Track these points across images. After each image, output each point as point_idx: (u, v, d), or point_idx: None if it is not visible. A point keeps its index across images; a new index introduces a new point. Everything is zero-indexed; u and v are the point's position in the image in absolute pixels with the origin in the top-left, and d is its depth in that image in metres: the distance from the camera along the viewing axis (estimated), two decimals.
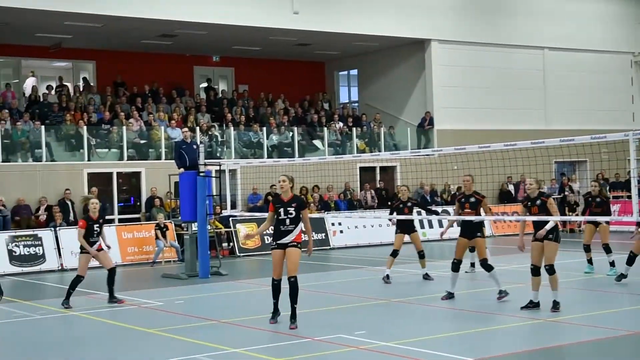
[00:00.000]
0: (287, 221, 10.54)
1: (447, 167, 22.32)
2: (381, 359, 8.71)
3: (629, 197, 24.30)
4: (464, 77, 27.92)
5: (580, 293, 13.20)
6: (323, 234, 22.29)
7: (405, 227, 14.77)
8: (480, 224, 12.54)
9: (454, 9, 27.77)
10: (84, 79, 26.47)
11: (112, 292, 13.28)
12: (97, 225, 13.17)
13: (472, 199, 12.53)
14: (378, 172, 26.33)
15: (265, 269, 18.47)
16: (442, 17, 27.44)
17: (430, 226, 23.64)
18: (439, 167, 22.67)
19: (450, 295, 12.42)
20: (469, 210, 12.44)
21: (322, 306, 12.38)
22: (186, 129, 18.67)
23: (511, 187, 27.33)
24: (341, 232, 22.73)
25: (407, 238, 14.84)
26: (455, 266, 12.39)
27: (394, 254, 14.59)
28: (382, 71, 29.35)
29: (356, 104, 31.08)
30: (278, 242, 10.64)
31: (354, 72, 31.35)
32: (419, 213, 17.01)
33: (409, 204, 14.81)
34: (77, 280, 12.99)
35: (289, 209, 10.54)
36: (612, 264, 14.88)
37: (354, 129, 26.88)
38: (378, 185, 25.90)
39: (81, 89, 25.46)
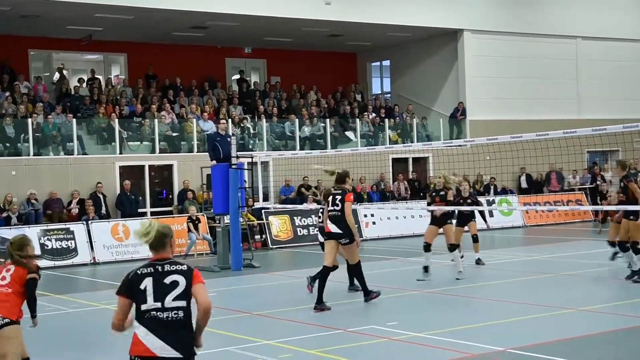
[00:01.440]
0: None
1: (479, 158, 22.11)
2: (413, 349, 8.65)
3: None
4: (496, 67, 27.61)
5: (607, 283, 12.95)
6: (356, 225, 22.15)
7: (461, 219, 15.21)
8: (451, 214, 14.35)
9: None
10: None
11: None
12: None
13: (442, 192, 14.05)
14: (411, 163, 26.14)
15: (297, 261, 18.47)
16: (474, 7, 27.14)
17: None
18: (471, 157, 22.44)
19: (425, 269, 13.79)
20: (440, 202, 13.99)
21: (354, 298, 12.29)
22: (224, 121, 18.60)
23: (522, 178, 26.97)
24: (374, 223, 22.61)
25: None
26: (426, 248, 13.84)
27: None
28: (415, 62, 29.14)
29: (388, 95, 30.90)
30: None
31: (387, 62, 31.17)
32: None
33: (469, 200, 15.31)
34: None
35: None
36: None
37: (387, 120, 26.73)
38: (411, 176, 25.72)
39: (113, 83, 25.59)
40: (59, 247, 18.58)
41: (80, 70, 27.21)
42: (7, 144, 20.74)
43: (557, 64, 28.72)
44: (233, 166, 16.67)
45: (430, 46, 28.21)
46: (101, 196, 20.71)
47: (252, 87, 27.98)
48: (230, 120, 23.72)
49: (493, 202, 24.32)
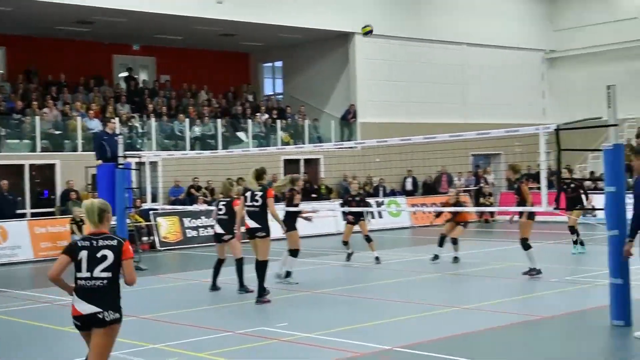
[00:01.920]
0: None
1: (369, 160, 22.45)
2: (302, 350, 8.63)
3: (539, 188, 24.97)
4: (387, 70, 28.08)
5: (487, 282, 13.36)
6: None
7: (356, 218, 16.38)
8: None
9: (378, 3, 27.90)
10: None
11: None
12: None
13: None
14: (302, 165, 26.21)
15: (186, 263, 18.17)
16: (366, 11, 27.47)
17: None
18: (361, 159, 22.77)
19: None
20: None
21: (243, 300, 12.17)
22: (113, 120, 18.07)
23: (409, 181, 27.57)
24: None
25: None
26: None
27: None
28: (307, 63, 29.25)
29: (281, 96, 30.89)
30: None
31: (279, 64, 31.15)
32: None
33: (357, 199, 16.29)
34: None
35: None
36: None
37: (279, 121, 26.69)
38: (302, 178, 25.75)
39: None
40: None
41: None
42: None
43: (445, 69, 29.49)
44: (120, 166, 16.21)
45: (322, 48, 28.39)
46: None
47: (141, 85, 27.34)
48: (117, 119, 23.09)
49: (382, 203, 24.70)
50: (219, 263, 12.96)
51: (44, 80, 24.93)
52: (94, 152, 17.08)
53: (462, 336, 9.11)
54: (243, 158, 21.50)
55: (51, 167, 21.67)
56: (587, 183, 20.94)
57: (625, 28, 30.27)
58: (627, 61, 30.32)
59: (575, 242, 16.44)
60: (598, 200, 19.87)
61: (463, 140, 13.11)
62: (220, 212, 12.88)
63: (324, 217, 22.33)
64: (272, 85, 31.92)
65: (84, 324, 6.01)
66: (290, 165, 25.85)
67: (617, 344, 8.76)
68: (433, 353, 8.17)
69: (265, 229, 11.67)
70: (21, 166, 21.20)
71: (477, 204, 25.92)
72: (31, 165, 21.43)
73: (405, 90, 28.40)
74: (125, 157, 16.52)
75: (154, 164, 19.80)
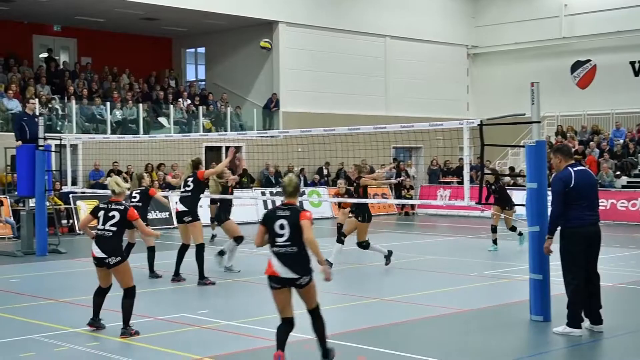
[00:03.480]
0: None
1: (291, 149, 22.73)
2: (221, 337, 8.83)
3: (459, 182, 25.78)
4: (310, 60, 28.34)
5: (408, 274, 13.83)
6: (167, 213, 22.02)
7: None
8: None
9: None
10: None
11: None
12: None
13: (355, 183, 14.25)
14: (224, 152, 26.28)
15: None
16: (290, 0, 27.67)
17: None
18: (283, 148, 23.02)
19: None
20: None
21: (163, 285, 12.32)
22: (33, 101, 17.84)
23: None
24: None
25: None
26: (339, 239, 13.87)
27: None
28: (230, 51, 29.26)
29: (203, 83, 30.81)
30: None
31: (202, 50, 31.04)
32: None
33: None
34: None
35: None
36: None
37: (201, 107, 26.68)
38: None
39: None
40: None
41: None
42: None
43: (368, 61, 29.94)
44: (40, 148, 16.07)
45: (246, 36, 28.45)
46: None
47: (62, 66, 26.88)
48: (37, 100, 22.71)
49: (303, 193, 25.01)
50: (130, 247, 13.05)
51: None
52: (13, 133, 16.85)
53: (382, 327, 9.33)
54: (165, 143, 21.58)
55: None
56: (506, 179, 21.70)
57: (547, 26, 31.10)
58: (548, 59, 31.19)
59: (494, 241, 16.54)
60: (518, 196, 20.70)
61: (387, 133, 13.42)
62: (134, 200, 13.06)
63: (248, 206, 22.56)
64: (194, 72, 31.78)
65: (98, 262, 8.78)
66: (212, 152, 25.90)
67: (536, 339, 8.80)
68: (354, 343, 8.36)
69: (192, 213, 12.48)
70: None
71: (399, 196, 26.51)
72: None
73: (328, 81, 28.73)
74: (45, 139, 16.39)
75: (74, 147, 19.62)
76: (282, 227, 7.07)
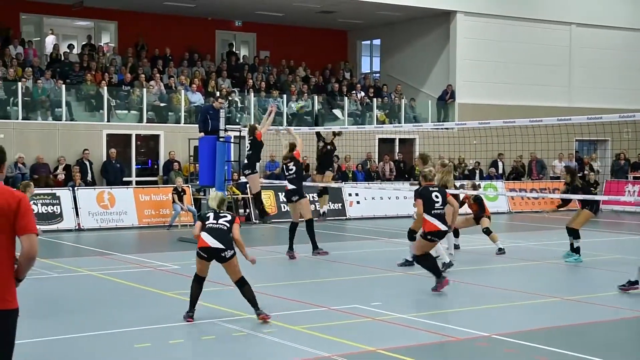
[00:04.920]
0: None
1: (466, 142, 22.19)
2: (396, 330, 8.68)
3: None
4: (488, 51, 27.60)
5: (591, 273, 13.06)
6: (340, 204, 22.22)
7: None
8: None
9: None
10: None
11: None
12: None
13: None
14: (397, 144, 26.17)
15: (279, 237, 18.46)
16: None
17: None
18: (457, 140, 22.52)
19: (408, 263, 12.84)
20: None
21: (338, 276, 12.35)
22: (222, 100, 18.57)
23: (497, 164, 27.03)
24: (358, 202, 22.64)
25: None
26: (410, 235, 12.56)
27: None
28: (406, 42, 29.07)
29: (377, 75, 30.84)
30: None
31: (377, 42, 31.07)
32: None
33: None
34: None
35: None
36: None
37: (375, 99, 26.70)
38: (397, 157, 25.75)
39: (105, 50, 25.36)
40: (44, 211, 18.49)
41: (70, 37, 26.94)
42: None
43: (550, 50, 28.74)
44: (221, 139, 16.62)
45: (422, 27, 28.14)
46: (87, 163, 20.60)
47: (241, 60, 27.82)
48: (218, 92, 23.63)
49: (479, 186, 24.34)
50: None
51: (152, 54, 25.72)
52: (196, 125, 17.53)
53: (564, 328, 8.90)
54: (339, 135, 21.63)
55: (155, 137, 22.42)
56: None
57: None
58: None
59: None
60: None
61: (572, 125, 12.72)
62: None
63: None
64: (369, 64, 31.91)
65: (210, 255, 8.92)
66: (385, 144, 25.87)
67: None
68: (532, 343, 7.99)
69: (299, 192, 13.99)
70: (128, 136, 22.04)
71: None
72: (137, 136, 22.23)
73: (506, 71, 27.87)
74: (226, 130, 16.93)
75: None
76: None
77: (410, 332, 8.57)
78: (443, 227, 10.72)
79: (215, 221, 8.93)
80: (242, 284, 8.99)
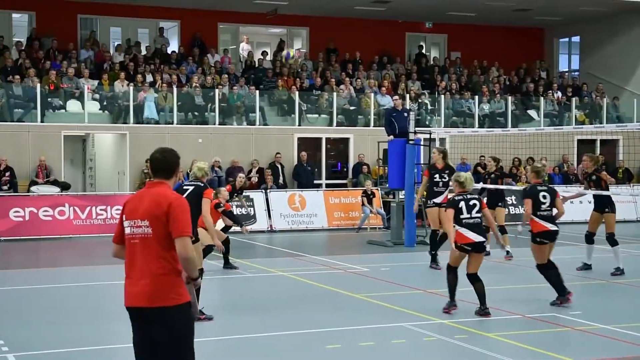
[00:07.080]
0: (440, 184, 13.19)
1: None
2: (597, 341, 8.03)
3: None
4: None
5: None
6: None
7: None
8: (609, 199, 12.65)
9: None
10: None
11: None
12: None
13: (594, 177, 12.57)
14: (598, 146, 24.66)
15: None
16: None
17: None
18: None
19: (586, 267, 12.70)
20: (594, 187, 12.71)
21: (531, 282, 11.68)
22: (397, 97, 18.39)
23: None
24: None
25: None
26: (588, 239, 12.65)
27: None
28: (607, 38, 27.38)
29: (576, 73, 29.33)
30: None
31: (576, 39, 29.55)
32: None
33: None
34: None
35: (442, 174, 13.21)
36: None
37: (573, 99, 25.36)
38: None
39: (296, 56, 25.95)
40: (238, 213, 19.08)
41: (264, 44, 27.83)
42: (196, 113, 21.57)
43: None
44: (410, 142, 16.39)
45: (625, 22, 26.39)
46: (279, 166, 21.10)
47: (431, 62, 27.46)
48: (407, 95, 23.42)
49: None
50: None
51: (342, 58, 25.99)
52: (384, 128, 17.45)
53: None
54: (534, 137, 20.71)
55: (345, 141, 22.59)
56: None
57: None
58: None
59: None
60: None
61: None
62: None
63: (623, 203, 20.80)
64: (567, 62, 30.42)
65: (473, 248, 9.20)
66: (584, 145, 24.45)
67: None
68: None
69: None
70: (319, 139, 22.37)
71: None
72: (327, 139, 22.52)
73: None
74: (415, 132, 16.67)
75: (442, 141, 19.77)
76: None
77: (610, 344, 7.94)
78: (552, 227, 9.91)
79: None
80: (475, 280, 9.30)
